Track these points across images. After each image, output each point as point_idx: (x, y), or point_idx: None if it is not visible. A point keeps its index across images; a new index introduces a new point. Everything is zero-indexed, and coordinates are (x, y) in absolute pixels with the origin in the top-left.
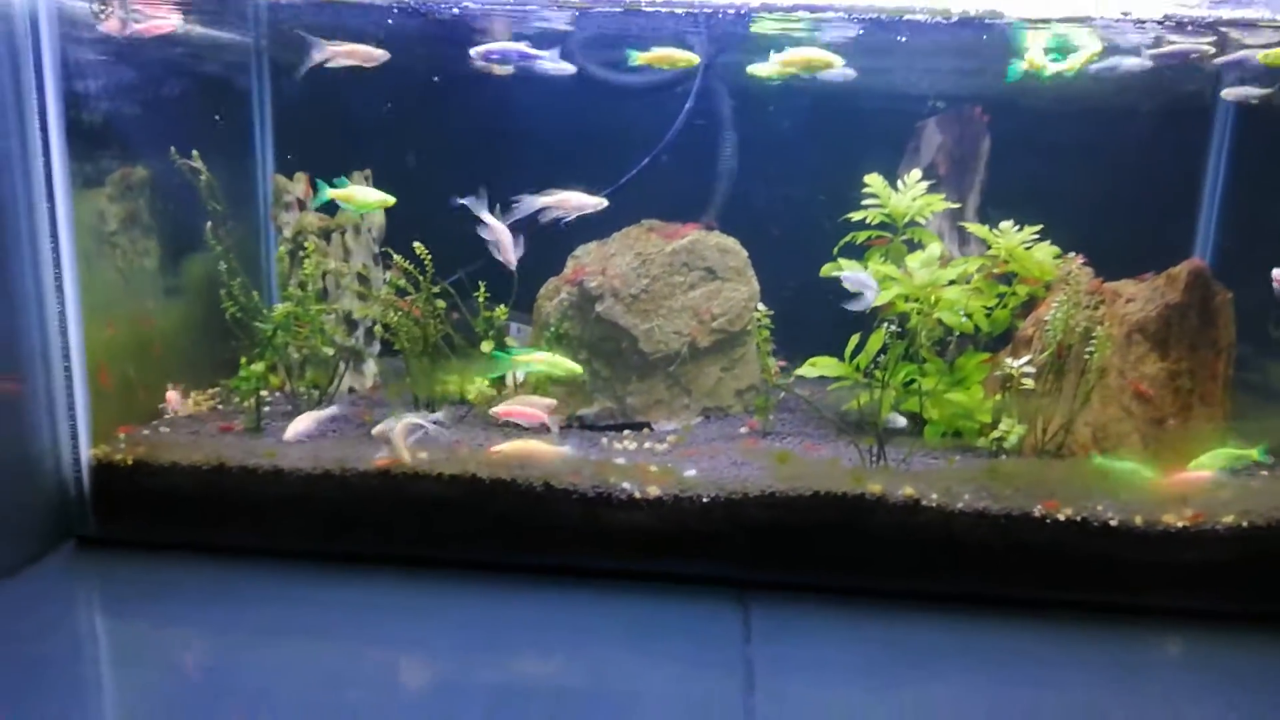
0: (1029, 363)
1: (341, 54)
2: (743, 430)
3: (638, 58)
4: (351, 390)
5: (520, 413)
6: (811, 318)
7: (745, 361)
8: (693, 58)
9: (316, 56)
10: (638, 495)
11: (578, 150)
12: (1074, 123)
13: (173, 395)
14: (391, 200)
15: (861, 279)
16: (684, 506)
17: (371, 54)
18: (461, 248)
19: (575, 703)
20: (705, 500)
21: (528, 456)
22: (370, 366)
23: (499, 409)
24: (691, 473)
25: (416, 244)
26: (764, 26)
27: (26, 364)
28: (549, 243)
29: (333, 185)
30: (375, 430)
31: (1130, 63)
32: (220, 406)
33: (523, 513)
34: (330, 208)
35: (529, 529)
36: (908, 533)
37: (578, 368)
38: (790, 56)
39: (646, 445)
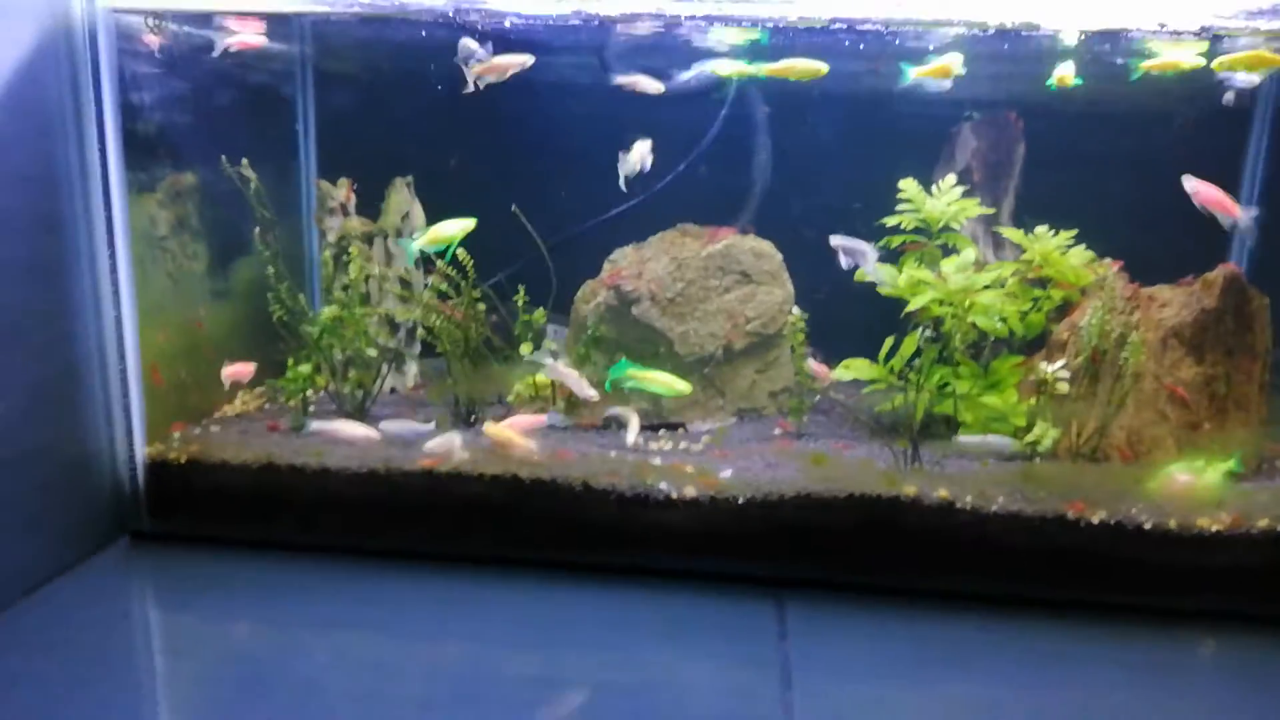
0: (1063, 367)
1: (492, 69)
2: (776, 432)
3: (765, 70)
4: (393, 391)
5: (516, 426)
6: (845, 321)
7: (779, 364)
8: (822, 68)
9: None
10: (674, 495)
11: (614, 155)
12: (1109, 128)
13: (242, 369)
14: (472, 223)
15: (853, 244)
16: (720, 507)
17: (508, 64)
18: (500, 251)
19: (617, 696)
20: (741, 501)
21: (504, 443)
22: (411, 367)
23: (493, 433)
24: (727, 473)
25: (459, 250)
26: (721, 35)
27: (84, 366)
28: (586, 246)
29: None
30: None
31: (1241, 78)
32: (267, 406)
33: (562, 512)
34: (373, 213)
35: (568, 527)
36: (942, 534)
37: (687, 387)
38: (932, 66)
39: (681, 445)
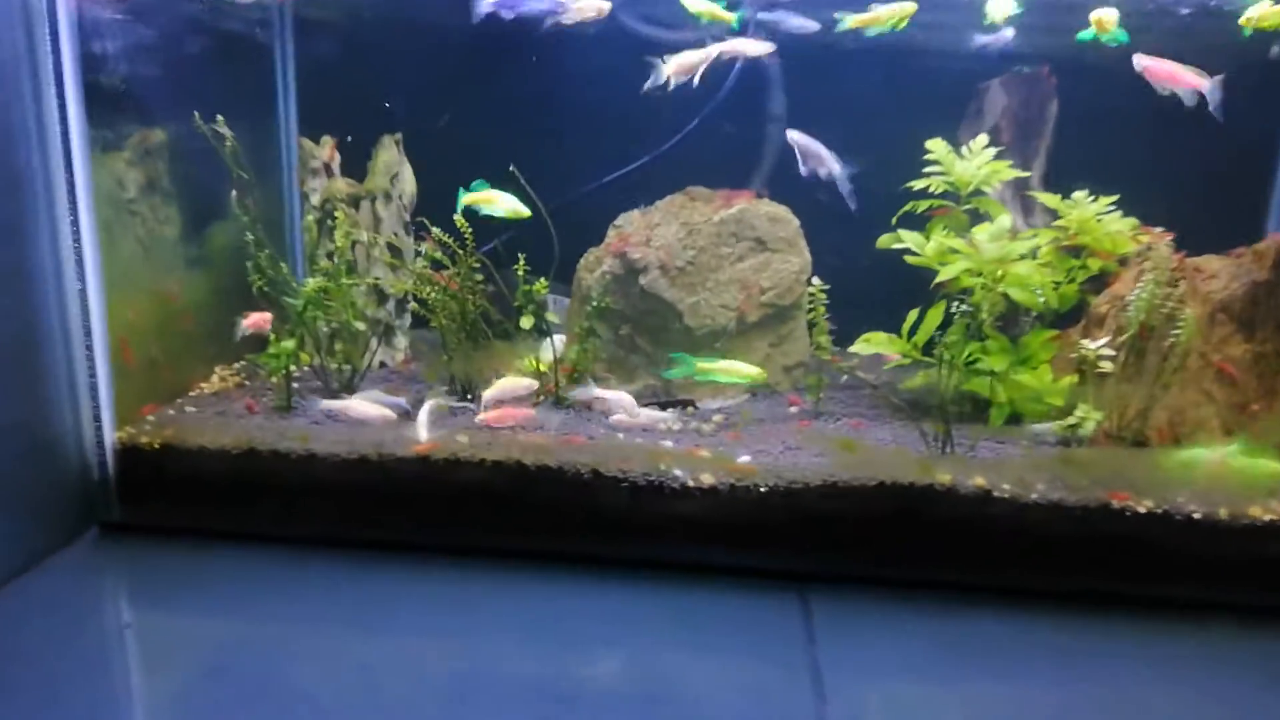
0: (1107, 344)
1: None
2: (791, 410)
3: (850, 21)
4: (383, 365)
5: (503, 418)
6: (867, 291)
7: (794, 337)
8: (909, 8)
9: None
10: (690, 483)
11: (619, 112)
12: (1148, 86)
13: (261, 318)
14: (527, 212)
15: (814, 146)
16: (739, 495)
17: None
18: (497, 216)
19: (627, 701)
20: (762, 489)
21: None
22: (400, 340)
23: (487, 416)
24: (745, 458)
25: (457, 217)
26: None
27: (46, 343)
28: (590, 211)
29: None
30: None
31: None
32: (246, 383)
33: (569, 500)
34: (359, 173)
35: (576, 517)
36: (979, 525)
37: (761, 372)
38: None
39: (692, 425)
